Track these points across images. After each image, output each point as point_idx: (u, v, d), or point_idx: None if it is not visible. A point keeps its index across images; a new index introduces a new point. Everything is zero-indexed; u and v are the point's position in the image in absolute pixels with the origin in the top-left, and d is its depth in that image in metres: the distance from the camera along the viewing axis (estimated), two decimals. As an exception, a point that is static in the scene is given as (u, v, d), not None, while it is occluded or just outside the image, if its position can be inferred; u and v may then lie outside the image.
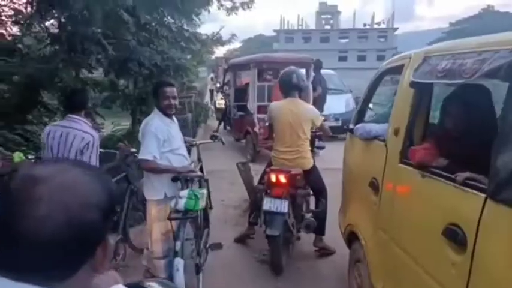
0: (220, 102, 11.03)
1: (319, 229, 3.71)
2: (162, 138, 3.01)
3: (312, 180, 3.77)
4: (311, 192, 3.92)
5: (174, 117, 3.29)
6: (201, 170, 3.86)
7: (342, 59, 53.93)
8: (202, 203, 2.80)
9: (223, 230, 4.68)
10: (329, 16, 66.81)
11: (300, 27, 63.50)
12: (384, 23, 61.58)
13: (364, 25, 62.87)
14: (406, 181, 2.19)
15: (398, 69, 2.57)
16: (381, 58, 56.13)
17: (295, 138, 3.63)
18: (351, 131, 3.18)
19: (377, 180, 2.56)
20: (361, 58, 54.98)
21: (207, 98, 15.42)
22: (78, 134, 2.95)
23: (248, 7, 10.14)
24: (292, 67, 3.82)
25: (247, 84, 7.65)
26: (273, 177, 3.43)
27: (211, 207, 4.31)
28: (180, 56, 5.36)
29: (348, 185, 3.29)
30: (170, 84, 3.14)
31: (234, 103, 8.45)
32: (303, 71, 7.63)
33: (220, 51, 20.95)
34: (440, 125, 2.26)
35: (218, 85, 11.83)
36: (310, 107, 3.88)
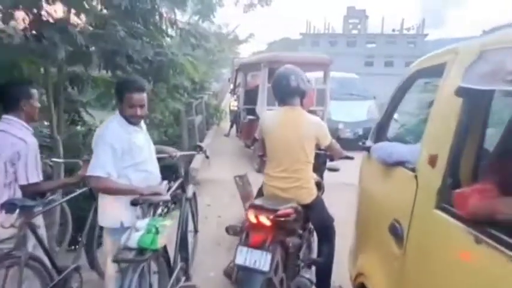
0: (234, 104, 10.36)
1: (320, 286, 2.83)
2: (120, 149, 2.33)
3: (314, 217, 2.87)
4: (313, 230, 3.08)
5: (142, 123, 2.61)
6: (182, 188, 3.16)
7: (369, 64, 52.59)
8: (161, 241, 2.09)
9: (214, 254, 3.97)
10: (357, 21, 65.35)
11: (326, 32, 62.43)
12: (413, 28, 59.82)
13: (393, 30, 61.17)
14: (447, 241, 1.42)
15: (436, 70, 1.80)
16: (409, 64, 54.17)
17: (293, 161, 2.69)
18: (368, 149, 2.42)
19: (400, 224, 1.79)
20: (389, 64, 53.42)
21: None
22: (8, 140, 2.31)
23: (266, 4, 9.50)
24: (289, 65, 2.85)
25: (257, 86, 6.92)
26: (252, 217, 2.39)
27: (196, 231, 3.60)
28: (175, 52, 4.67)
29: (361, 221, 2.52)
30: (139, 88, 2.43)
31: (243, 106, 7.75)
32: (319, 73, 7.02)
33: (245, 54, 20.34)
34: (504, 153, 1.49)
35: (231, 86, 11.18)
36: (315, 119, 2.82)
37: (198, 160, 6.88)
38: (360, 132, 8.02)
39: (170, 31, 5.02)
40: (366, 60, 53.28)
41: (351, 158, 3.06)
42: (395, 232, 1.82)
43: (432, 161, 1.58)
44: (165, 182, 2.61)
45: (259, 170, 6.62)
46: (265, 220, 2.36)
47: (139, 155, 2.45)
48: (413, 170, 1.77)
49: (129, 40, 4.34)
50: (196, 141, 8.17)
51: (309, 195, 2.77)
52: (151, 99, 5.13)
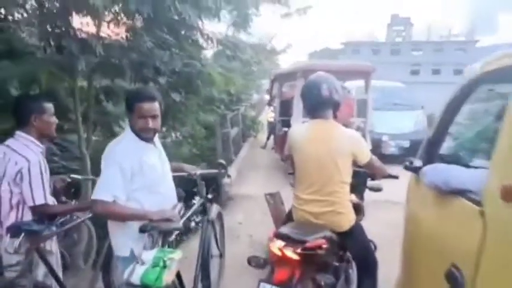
0: (271, 115, 10.08)
1: None
2: (129, 169, 2.09)
3: (352, 247, 2.48)
4: (352, 260, 2.65)
5: (157, 139, 2.37)
6: (204, 209, 2.88)
7: (414, 72, 50.57)
8: (168, 277, 1.80)
9: (241, 279, 3.64)
10: (401, 28, 63.37)
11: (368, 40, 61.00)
12: (462, 35, 56.93)
13: (440, 37, 58.59)
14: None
15: (507, 74, 1.40)
16: (458, 72, 51.85)
17: (326, 181, 2.33)
18: (416, 170, 2.01)
19: (461, 272, 1.39)
20: (436, 72, 51.10)
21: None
22: (13, 158, 2.15)
23: (304, 13, 9.19)
24: (321, 73, 2.49)
25: (293, 97, 6.58)
26: (276, 249, 2.05)
27: (221, 256, 3.30)
28: (204, 62, 4.46)
29: (409, 255, 2.10)
30: (150, 97, 2.19)
31: (279, 117, 7.43)
32: (360, 81, 6.57)
33: (285, 65, 20.14)
34: None
35: (268, 97, 10.92)
36: (350, 133, 2.46)
37: (231, 174, 6.63)
38: (407, 145, 7.41)
39: (203, 42, 4.86)
40: (411, 69, 51.32)
41: (396, 178, 2.65)
42: (455, 281, 1.41)
43: (508, 193, 1.18)
44: (180, 204, 2.32)
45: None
46: (291, 254, 2.01)
47: (152, 176, 2.20)
48: (478, 203, 1.36)
49: (157, 51, 4.19)
50: (231, 154, 7.94)
51: (345, 221, 2.37)
52: (181, 111, 4.96)
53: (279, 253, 2.05)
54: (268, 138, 9.75)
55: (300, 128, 2.55)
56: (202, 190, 2.89)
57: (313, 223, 2.35)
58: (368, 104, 6.20)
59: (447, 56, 51.91)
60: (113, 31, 4.33)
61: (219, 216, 3.34)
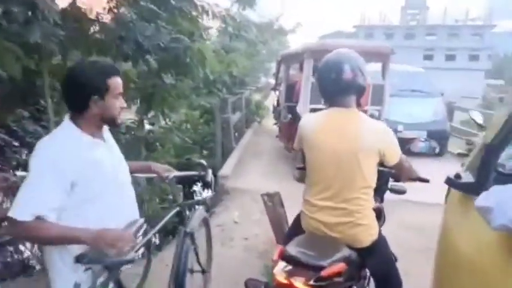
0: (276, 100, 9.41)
1: None
2: (70, 177, 1.51)
3: (372, 264, 1.98)
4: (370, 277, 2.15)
5: (107, 131, 1.77)
6: (181, 219, 2.29)
7: (428, 57, 49.16)
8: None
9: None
10: (416, 11, 61.34)
11: (382, 24, 59.24)
12: (479, 19, 54.89)
13: (456, 21, 56.58)
14: None
15: None
16: (473, 58, 50.34)
17: (345, 185, 1.88)
18: (467, 189, 1.40)
19: None
20: (450, 57, 49.66)
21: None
22: None
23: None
24: (343, 50, 2.00)
25: (301, 81, 5.89)
26: (282, 276, 1.61)
27: (204, 272, 2.72)
28: (195, 38, 3.82)
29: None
30: (118, 70, 1.67)
31: (284, 103, 6.77)
32: (374, 65, 5.87)
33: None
34: None
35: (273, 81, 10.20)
36: (379, 126, 1.96)
37: (229, 165, 6.04)
38: (424, 136, 6.72)
39: (197, 15, 4.21)
40: (424, 54, 49.84)
41: (426, 181, 2.20)
42: None
43: None
44: (141, 220, 1.74)
45: (300, 179, 5.67)
46: (301, 286, 1.56)
47: (102, 182, 1.62)
48: None
49: (139, 24, 3.56)
50: (231, 141, 7.34)
51: (366, 235, 1.92)
52: (171, 94, 4.35)
53: (285, 281, 1.59)
54: (276, 124, 9.10)
55: (315, 118, 2.01)
56: (177, 196, 2.31)
57: (326, 235, 1.92)
58: (385, 90, 5.52)
59: (463, 40, 50.34)
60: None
61: (205, 222, 2.78)
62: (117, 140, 1.93)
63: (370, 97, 5.36)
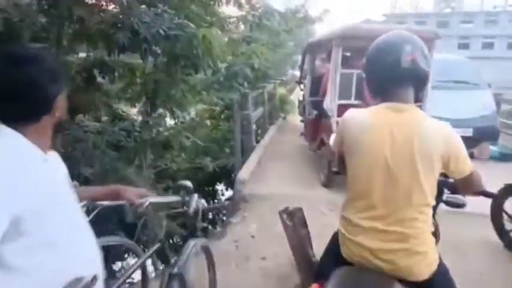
0: (302, 94, 8.72)
1: None
2: (12, 209, 0.98)
3: None
4: None
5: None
6: (165, 257, 1.72)
7: (463, 46, 46.63)
8: None
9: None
10: (451, -2, 58.39)
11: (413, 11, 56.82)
12: (520, 4, 51.57)
13: (494, 7, 53.40)
14: None
15: None
16: (513, 46, 47.58)
17: (400, 203, 1.50)
18: None
19: None
20: (487, 46, 47.00)
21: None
22: None
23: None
24: (403, 32, 1.57)
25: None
26: None
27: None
28: (199, 24, 3.24)
29: None
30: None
31: (309, 98, 6.11)
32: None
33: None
34: None
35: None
36: (445, 128, 1.53)
37: (248, 168, 5.45)
38: (469, 133, 5.87)
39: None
40: (459, 42, 47.39)
41: (491, 196, 2.02)
42: None
43: None
44: (91, 276, 1.18)
45: (327, 184, 5.01)
46: None
47: (59, 217, 1.09)
48: None
49: (136, 7, 3.02)
50: (251, 140, 6.75)
51: (425, 266, 1.52)
52: (180, 92, 3.80)
53: None
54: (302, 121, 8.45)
55: (362, 115, 1.59)
56: (157, 229, 1.74)
57: (373, 266, 1.52)
58: (427, 81, 4.75)
59: (501, 28, 47.46)
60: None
61: (205, 250, 2.22)
62: (117, 145, 1.41)
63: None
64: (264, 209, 4.45)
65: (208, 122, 8.99)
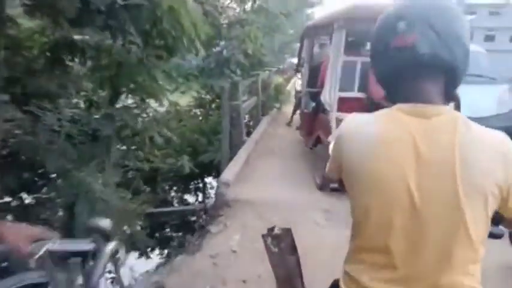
0: (299, 83, 8.05)
1: None
2: None
3: None
4: None
5: None
6: None
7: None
8: None
9: None
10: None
11: None
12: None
13: (499, -1, 52.49)
14: None
15: None
16: (514, 39, 46.89)
17: (434, 258, 0.92)
18: None
19: None
20: (489, 38, 46.42)
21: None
22: None
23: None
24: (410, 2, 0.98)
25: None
26: None
27: None
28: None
29: None
30: None
31: (306, 88, 5.46)
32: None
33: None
34: None
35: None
36: (496, 137, 0.91)
37: (233, 167, 4.83)
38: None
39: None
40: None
41: None
42: None
43: None
44: None
45: (323, 187, 4.41)
46: None
47: None
48: None
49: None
50: (241, 133, 6.11)
51: None
52: (148, 79, 3.15)
53: None
54: (294, 113, 7.80)
55: (368, 126, 1.03)
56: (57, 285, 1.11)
57: None
58: (458, 73, 4.11)
59: (504, 20, 46.75)
60: None
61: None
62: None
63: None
64: (249, 217, 3.86)
65: (198, 112, 8.35)
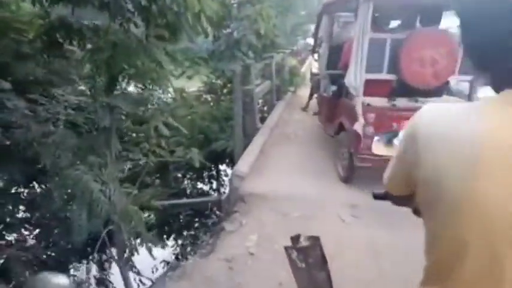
0: (316, 66, 7.56)
1: None
2: None
3: None
4: None
5: None
6: None
7: None
8: None
9: None
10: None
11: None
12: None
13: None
14: None
15: None
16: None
17: None
18: None
19: None
20: None
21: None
22: None
23: None
24: None
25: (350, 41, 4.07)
26: None
27: None
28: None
29: None
30: None
31: (325, 71, 5.03)
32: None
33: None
34: None
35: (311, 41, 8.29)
36: None
37: (248, 157, 4.47)
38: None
39: None
40: None
41: None
42: None
43: None
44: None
45: (346, 180, 4.02)
46: None
47: None
48: None
49: None
50: (255, 120, 5.73)
51: None
52: (150, 63, 2.78)
53: None
54: (310, 97, 7.36)
55: (464, 119, 0.67)
56: None
57: None
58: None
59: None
60: None
61: None
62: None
63: (458, 63, 3.53)
64: (266, 214, 3.51)
65: (208, 98, 7.98)
